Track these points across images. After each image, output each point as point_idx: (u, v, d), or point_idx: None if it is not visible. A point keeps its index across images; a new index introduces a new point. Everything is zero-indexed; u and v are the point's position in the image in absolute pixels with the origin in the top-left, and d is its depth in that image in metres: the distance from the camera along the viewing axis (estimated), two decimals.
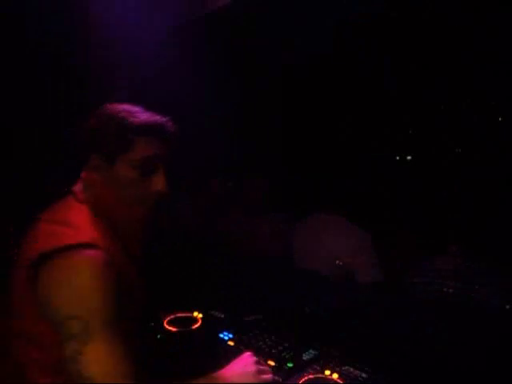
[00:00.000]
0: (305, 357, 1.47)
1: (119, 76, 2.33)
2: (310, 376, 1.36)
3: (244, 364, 1.24)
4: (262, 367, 1.27)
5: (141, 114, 1.18)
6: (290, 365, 1.42)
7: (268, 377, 1.26)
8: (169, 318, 1.68)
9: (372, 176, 2.19)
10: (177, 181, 3.05)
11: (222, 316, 1.74)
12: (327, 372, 1.37)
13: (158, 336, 1.59)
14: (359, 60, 2.05)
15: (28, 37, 1.97)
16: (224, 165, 3.09)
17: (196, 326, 1.66)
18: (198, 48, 2.24)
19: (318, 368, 1.40)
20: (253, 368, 1.23)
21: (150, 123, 1.18)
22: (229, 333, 1.60)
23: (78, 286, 1.00)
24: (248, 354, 1.31)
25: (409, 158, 2.39)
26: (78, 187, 1.20)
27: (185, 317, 1.70)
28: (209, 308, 1.78)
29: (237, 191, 3.02)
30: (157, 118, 1.20)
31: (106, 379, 0.97)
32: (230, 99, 2.71)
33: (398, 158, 2.39)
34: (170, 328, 1.62)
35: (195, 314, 1.72)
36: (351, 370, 1.38)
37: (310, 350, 1.51)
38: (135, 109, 1.20)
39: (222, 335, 1.59)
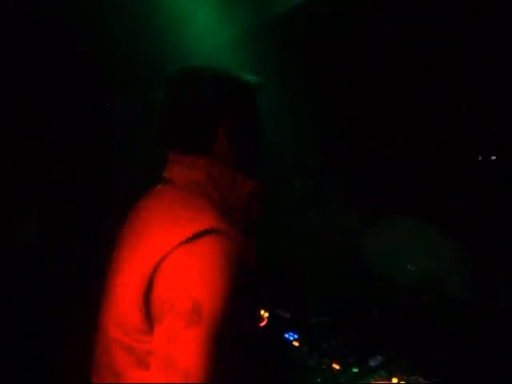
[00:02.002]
0: (371, 363, 1.43)
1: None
2: (376, 382, 1.32)
3: None
4: None
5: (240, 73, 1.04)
6: (355, 370, 1.39)
7: None
8: None
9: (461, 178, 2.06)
10: None
11: (288, 316, 1.74)
12: (394, 380, 1.32)
13: None
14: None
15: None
16: (303, 166, 3.09)
17: (262, 324, 1.67)
18: (273, 50, 2.26)
19: (385, 375, 1.36)
20: None
21: (259, 81, 1.06)
22: (294, 333, 1.60)
23: (203, 268, 0.83)
24: None
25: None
26: (174, 173, 1.00)
27: None
28: (275, 307, 1.79)
29: (317, 192, 3.01)
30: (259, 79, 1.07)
31: (197, 372, 0.79)
32: (309, 99, 2.70)
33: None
34: None
35: (261, 312, 1.74)
36: (420, 379, 1.32)
37: (378, 356, 1.46)
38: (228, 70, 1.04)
39: (287, 335, 1.59)
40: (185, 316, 0.80)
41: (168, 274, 0.84)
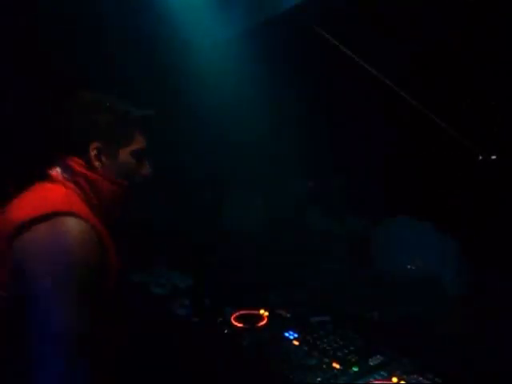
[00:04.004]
0: (371, 362, 1.43)
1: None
2: (376, 382, 1.32)
3: None
4: None
5: (134, 108, 1.30)
6: (355, 369, 1.39)
7: None
8: (236, 315, 1.72)
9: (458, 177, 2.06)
10: (249, 180, 3.12)
11: (288, 315, 1.74)
12: (394, 380, 1.32)
13: (225, 331, 1.63)
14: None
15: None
16: (303, 164, 3.08)
17: (262, 323, 1.68)
18: (274, 48, 2.25)
19: (385, 374, 1.35)
20: None
21: (145, 117, 1.33)
22: (294, 332, 1.60)
23: (56, 247, 1.05)
24: None
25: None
26: (55, 171, 1.23)
27: (252, 314, 1.73)
28: (275, 307, 1.79)
29: (316, 191, 3.01)
30: (148, 111, 1.34)
31: (68, 337, 1.01)
32: (309, 98, 2.69)
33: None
34: (237, 324, 1.66)
35: (262, 311, 1.74)
36: (420, 379, 1.32)
37: (378, 356, 1.46)
38: (122, 101, 1.31)
39: (287, 334, 1.59)
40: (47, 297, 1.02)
41: (20, 251, 1.04)
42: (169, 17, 1.96)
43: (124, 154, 1.27)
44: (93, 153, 1.22)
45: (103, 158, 1.24)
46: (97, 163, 1.23)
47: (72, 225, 1.08)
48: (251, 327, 1.64)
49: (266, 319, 1.70)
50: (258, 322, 1.68)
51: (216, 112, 2.72)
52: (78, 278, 1.05)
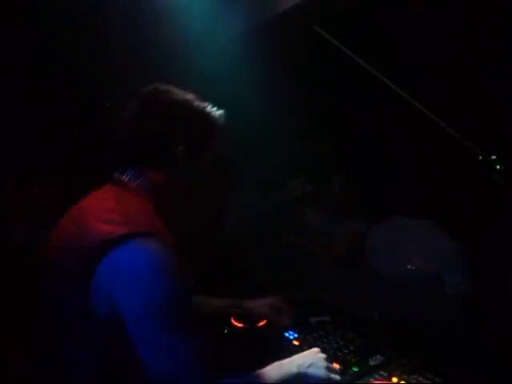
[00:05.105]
0: (371, 362, 1.43)
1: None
2: (376, 382, 1.32)
3: (314, 357, 1.24)
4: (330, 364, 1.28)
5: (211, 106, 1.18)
6: (355, 369, 1.39)
7: (336, 376, 1.25)
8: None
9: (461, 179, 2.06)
10: (249, 180, 3.12)
11: None
12: (394, 380, 1.32)
13: (225, 331, 1.63)
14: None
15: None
16: (302, 165, 3.08)
17: (262, 323, 1.67)
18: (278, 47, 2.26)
19: (385, 375, 1.35)
20: (323, 363, 1.23)
21: (221, 120, 1.19)
22: (294, 332, 1.60)
23: (149, 270, 0.96)
24: (316, 349, 1.30)
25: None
26: (125, 176, 1.12)
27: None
28: None
29: (315, 193, 3.01)
30: (221, 111, 1.20)
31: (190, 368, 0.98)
32: (309, 98, 2.69)
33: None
34: (237, 324, 1.65)
35: None
36: (420, 379, 1.32)
37: (378, 356, 1.46)
38: (196, 98, 1.16)
39: (287, 334, 1.59)
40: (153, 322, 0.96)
41: (118, 268, 0.96)
42: (170, 18, 1.96)
43: (207, 156, 1.17)
44: (179, 154, 1.10)
45: (187, 162, 1.12)
46: (180, 166, 1.11)
47: (157, 247, 0.98)
48: (251, 327, 1.64)
49: (266, 319, 1.70)
50: (258, 322, 1.68)
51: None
52: (178, 297, 0.99)
